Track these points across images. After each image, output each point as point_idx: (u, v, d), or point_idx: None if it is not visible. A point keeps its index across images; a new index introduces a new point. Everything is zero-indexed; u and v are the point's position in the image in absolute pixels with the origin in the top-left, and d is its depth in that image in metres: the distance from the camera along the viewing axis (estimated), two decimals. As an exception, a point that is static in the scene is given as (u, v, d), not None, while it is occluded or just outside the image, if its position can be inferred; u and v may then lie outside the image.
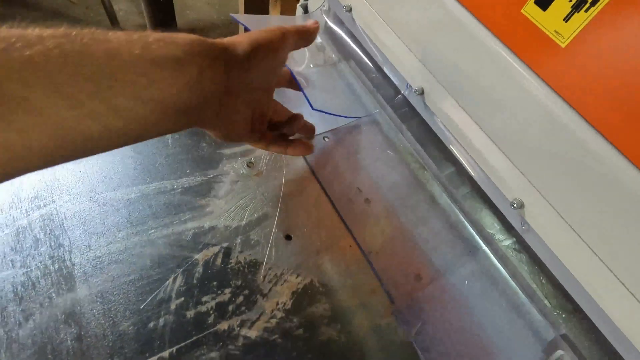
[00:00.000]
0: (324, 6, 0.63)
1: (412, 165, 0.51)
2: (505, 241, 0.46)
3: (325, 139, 0.50)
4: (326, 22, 0.63)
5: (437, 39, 0.45)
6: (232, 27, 2.17)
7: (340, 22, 0.62)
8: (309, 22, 0.39)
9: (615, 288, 0.35)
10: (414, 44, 0.49)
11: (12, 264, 0.34)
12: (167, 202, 0.41)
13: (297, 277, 0.39)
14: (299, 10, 0.69)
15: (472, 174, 0.45)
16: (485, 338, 0.39)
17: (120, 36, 0.22)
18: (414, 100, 0.51)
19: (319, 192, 0.46)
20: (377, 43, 0.53)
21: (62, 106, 0.19)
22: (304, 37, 0.37)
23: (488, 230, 0.47)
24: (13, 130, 0.18)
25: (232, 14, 0.57)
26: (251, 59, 0.31)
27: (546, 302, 0.43)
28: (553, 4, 0.32)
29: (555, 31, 0.33)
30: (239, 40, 0.31)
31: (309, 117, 0.48)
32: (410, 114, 0.53)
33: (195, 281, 0.36)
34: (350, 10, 0.57)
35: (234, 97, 0.30)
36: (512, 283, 0.43)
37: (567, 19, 0.31)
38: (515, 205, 0.41)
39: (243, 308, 0.36)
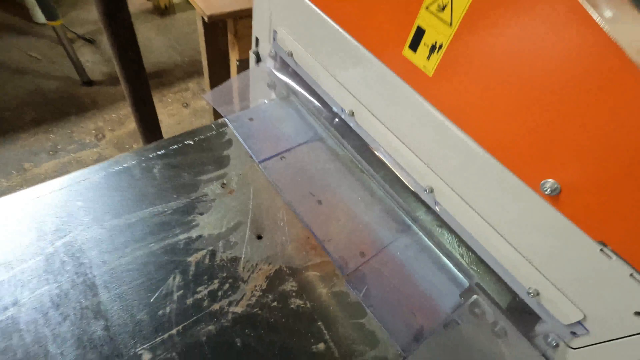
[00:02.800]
0: (271, 52, 0.77)
1: (353, 170, 0.65)
2: (428, 219, 0.60)
3: (282, 158, 0.63)
4: (274, 65, 0.77)
5: (355, 74, 0.59)
6: (193, 66, 2.31)
7: (286, 65, 0.76)
8: None
9: (502, 244, 0.49)
10: (340, 76, 0.63)
11: (47, 281, 0.44)
12: (160, 222, 0.52)
13: (268, 265, 0.50)
14: (252, 57, 0.83)
15: (394, 170, 0.58)
16: (416, 291, 0.51)
17: None
18: (348, 120, 0.65)
19: (280, 201, 0.58)
20: (315, 78, 0.67)
21: None
22: None
23: (415, 212, 0.60)
24: None
25: (203, 95, 0.71)
26: None
27: (462, 260, 0.56)
28: (419, 48, 0.47)
29: (424, 66, 0.47)
30: None
31: (269, 141, 0.61)
32: (348, 132, 0.67)
33: (190, 277, 0.48)
34: (291, 54, 0.71)
35: None
36: (435, 249, 0.56)
37: (428, 57, 0.46)
38: (427, 190, 0.55)
39: (229, 292, 0.47)
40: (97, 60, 2.22)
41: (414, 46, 0.48)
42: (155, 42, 2.47)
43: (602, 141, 0.35)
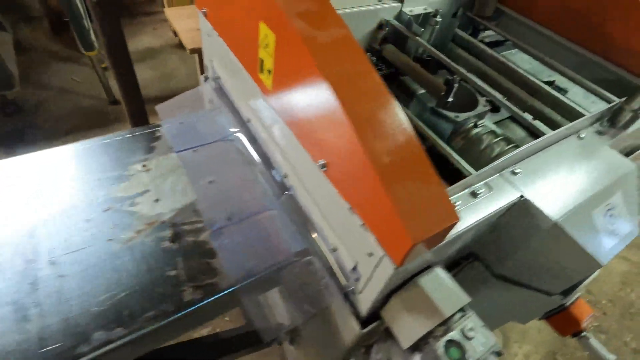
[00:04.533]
0: (211, 76, 1.01)
1: (244, 161, 0.85)
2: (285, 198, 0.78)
3: (195, 151, 0.85)
4: (213, 85, 1.01)
5: (246, 90, 0.81)
6: (206, 92, 2.65)
7: (220, 86, 1.00)
8: None
9: (318, 213, 0.66)
10: (240, 93, 0.85)
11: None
12: (113, 177, 0.75)
13: (156, 219, 0.71)
14: (202, 79, 1.07)
15: (257, 160, 0.78)
16: (259, 246, 0.70)
17: None
18: (249, 126, 0.86)
19: (182, 178, 0.79)
20: (231, 93, 0.90)
21: None
22: None
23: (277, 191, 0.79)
24: None
25: (156, 107, 0.96)
26: None
27: (302, 230, 0.74)
28: (263, 71, 0.68)
29: (267, 83, 0.68)
30: None
31: (189, 138, 0.83)
32: (249, 133, 0.88)
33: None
34: (219, 78, 0.95)
35: None
36: (286, 216, 0.74)
37: (268, 77, 0.67)
38: (283, 176, 0.74)
39: (126, 230, 0.68)
40: (126, 84, 2.62)
41: (261, 70, 0.69)
42: (179, 70, 2.87)
43: (340, 144, 0.54)
